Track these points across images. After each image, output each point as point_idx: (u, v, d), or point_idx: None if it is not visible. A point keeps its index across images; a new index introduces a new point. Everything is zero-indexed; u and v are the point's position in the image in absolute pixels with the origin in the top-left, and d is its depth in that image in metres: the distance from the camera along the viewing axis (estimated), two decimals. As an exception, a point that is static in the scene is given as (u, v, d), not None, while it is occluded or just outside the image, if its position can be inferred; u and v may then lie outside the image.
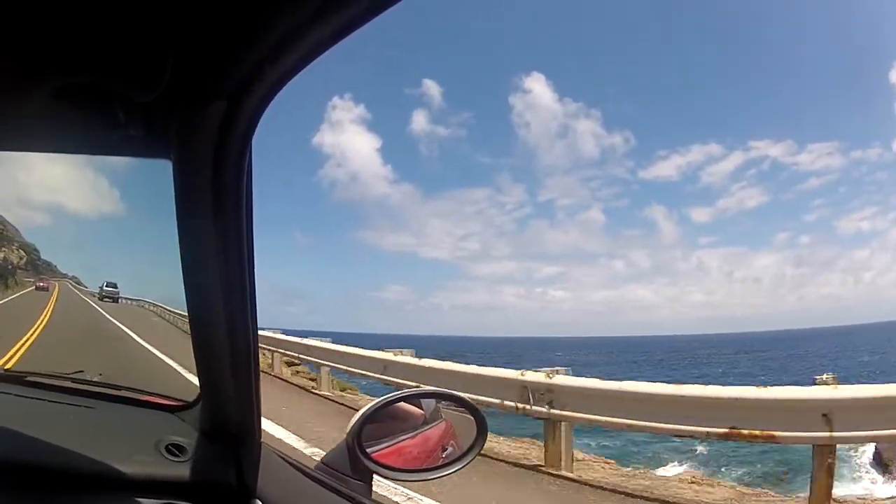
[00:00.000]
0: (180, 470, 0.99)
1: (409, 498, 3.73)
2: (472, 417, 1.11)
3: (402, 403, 1.13)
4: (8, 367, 3.23)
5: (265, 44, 0.58)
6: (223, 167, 0.71)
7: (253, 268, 0.81)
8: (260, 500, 0.93)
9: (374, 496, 1.01)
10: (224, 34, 0.59)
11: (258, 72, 0.61)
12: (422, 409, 1.18)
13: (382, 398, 1.06)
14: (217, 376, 0.95)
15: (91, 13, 0.55)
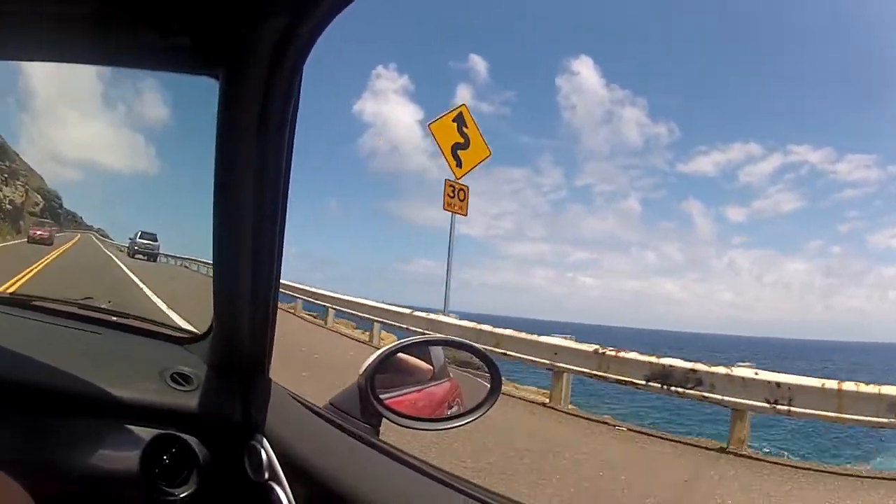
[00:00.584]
0: (184, 399, 0.98)
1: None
2: (486, 371, 1.08)
3: (411, 357, 1.11)
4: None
5: None
6: (273, 89, 0.68)
7: (286, 199, 0.79)
8: (265, 435, 0.91)
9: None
10: None
11: None
12: (431, 364, 1.16)
13: (399, 342, 1.04)
14: (234, 307, 0.92)
15: None
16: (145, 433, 0.92)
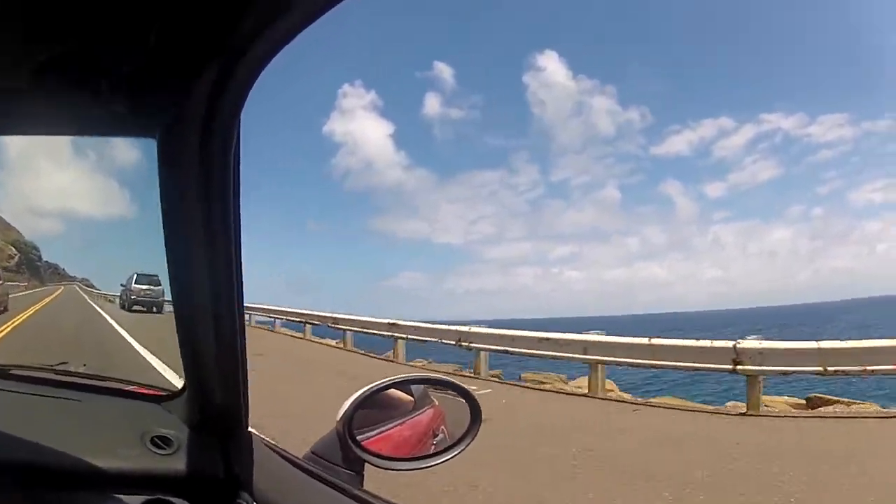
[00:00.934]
0: (167, 463, 0.97)
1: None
2: (465, 403, 1.09)
3: (391, 390, 1.11)
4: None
5: (258, 8, 0.55)
6: (211, 144, 0.68)
7: (240, 252, 0.79)
8: (248, 492, 0.91)
9: (366, 485, 0.98)
10: None
11: (250, 39, 0.58)
12: (412, 395, 1.16)
13: (373, 385, 1.04)
14: (202, 365, 0.92)
15: None
16: (133, 500, 0.92)
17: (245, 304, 0.85)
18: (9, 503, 0.87)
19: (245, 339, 0.90)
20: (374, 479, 1.01)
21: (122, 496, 0.92)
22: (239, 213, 0.76)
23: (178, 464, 0.97)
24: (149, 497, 0.92)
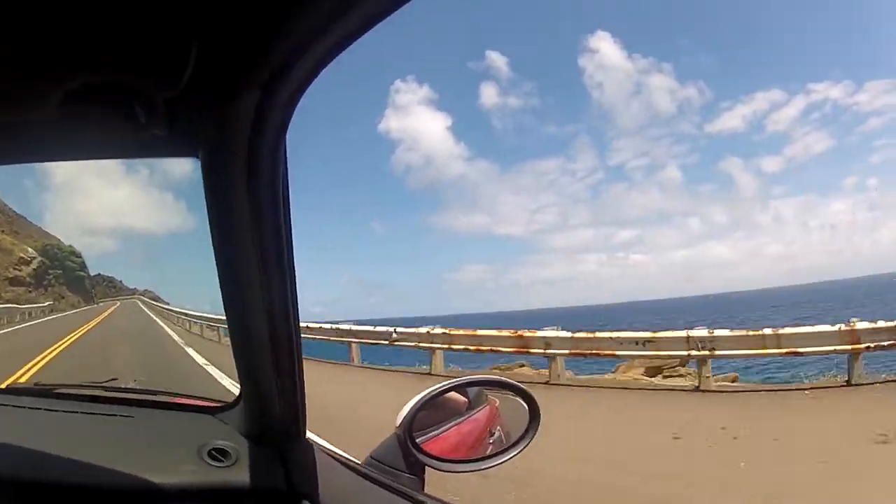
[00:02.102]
0: (226, 476, 0.96)
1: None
2: (524, 403, 1.06)
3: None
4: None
5: (297, 30, 0.53)
6: (256, 163, 0.67)
7: (293, 263, 0.79)
8: (310, 502, 0.89)
9: (426, 488, 0.96)
10: (252, 20, 0.53)
11: (290, 61, 0.57)
12: (467, 395, 1.13)
13: (431, 389, 1.01)
14: (259, 375, 0.92)
15: (105, 2, 0.50)
16: None
17: None
18: None
19: (301, 348, 0.89)
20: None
21: None
22: (290, 226, 0.75)
23: (237, 476, 0.96)
24: None
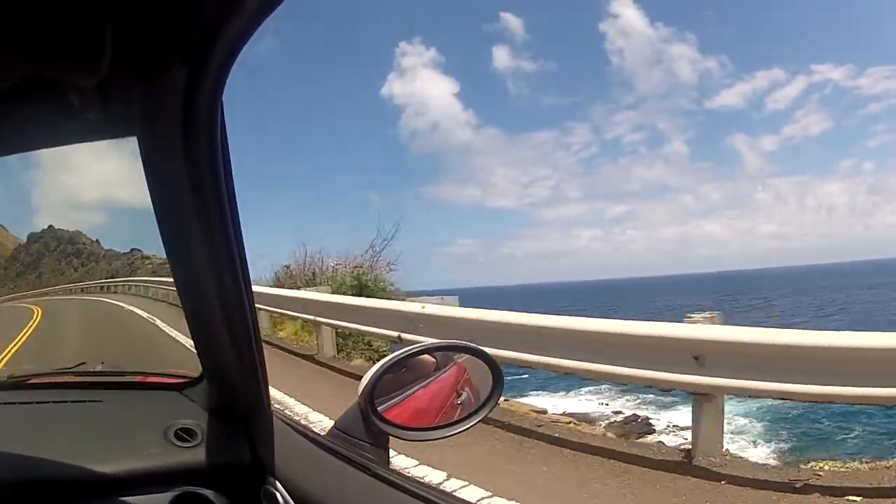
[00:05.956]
0: (192, 455, 0.98)
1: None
2: (487, 368, 1.07)
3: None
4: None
5: None
6: (193, 134, 0.67)
7: (240, 235, 0.79)
8: (276, 476, 0.91)
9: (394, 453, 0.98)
10: None
11: (216, 26, 0.56)
12: (434, 358, 1.14)
13: (392, 356, 1.01)
14: (216, 352, 0.93)
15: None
16: (162, 497, 0.93)
17: None
18: None
19: (257, 319, 0.90)
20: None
21: (152, 495, 0.93)
22: (234, 197, 0.75)
23: (203, 455, 0.98)
24: (177, 492, 0.93)
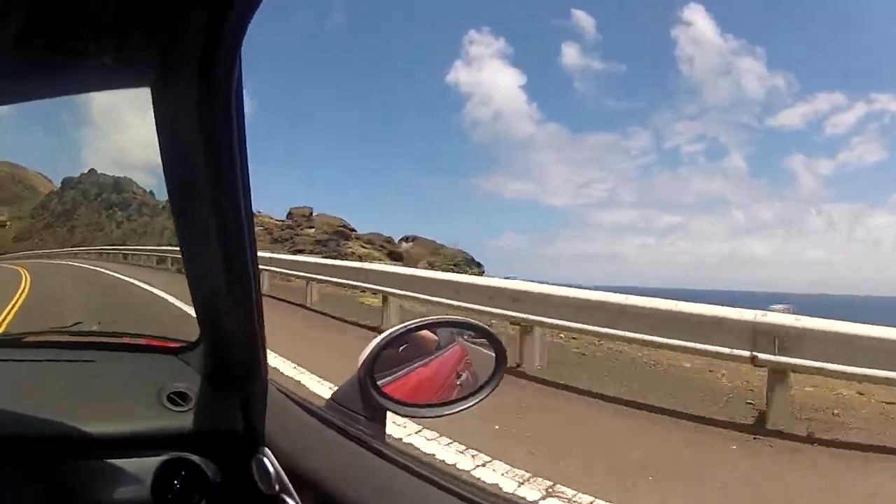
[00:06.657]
0: (184, 420, 0.97)
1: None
2: (491, 347, 1.04)
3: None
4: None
5: None
6: (210, 84, 0.64)
7: (249, 199, 0.77)
8: (269, 446, 0.89)
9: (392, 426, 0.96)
10: None
11: None
12: (435, 334, 1.12)
13: (395, 328, 0.99)
14: (216, 314, 0.90)
15: None
16: (152, 461, 0.91)
17: None
18: (21, 478, 0.87)
19: (260, 287, 0.87)
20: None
21: (140, 458, 0.92)
22: (246, 160, 0.73)
23: (195, 420, 0.97)
24: (167, 456, 0.91)
